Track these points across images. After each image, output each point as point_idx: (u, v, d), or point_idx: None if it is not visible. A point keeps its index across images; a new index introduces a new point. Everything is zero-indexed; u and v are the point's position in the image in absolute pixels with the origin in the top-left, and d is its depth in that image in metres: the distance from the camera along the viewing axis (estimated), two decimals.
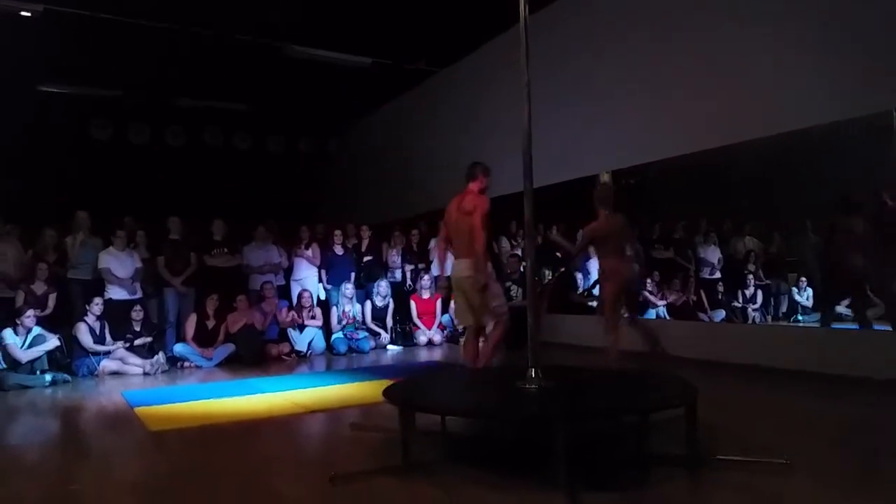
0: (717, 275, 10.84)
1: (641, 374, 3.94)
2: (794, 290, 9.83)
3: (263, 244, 8.73)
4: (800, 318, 9.61)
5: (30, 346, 6.50)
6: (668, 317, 10.10)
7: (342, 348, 8.12)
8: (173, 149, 12.69)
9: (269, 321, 8.15)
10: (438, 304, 9.08)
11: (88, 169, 11.43)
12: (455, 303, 5.42)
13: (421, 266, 9.62)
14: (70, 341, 7.09)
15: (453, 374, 4.16)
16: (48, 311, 7.26)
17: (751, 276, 10.26)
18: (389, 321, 8.93)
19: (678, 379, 3.58)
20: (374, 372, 6.46)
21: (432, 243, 9.70)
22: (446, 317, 8.99)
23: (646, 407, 3.30)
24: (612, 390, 3.53)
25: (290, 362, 7.78)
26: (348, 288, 8.57)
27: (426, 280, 9.10)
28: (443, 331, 8.95)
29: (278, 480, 3.13)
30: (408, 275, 9.56)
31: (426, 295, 9.09)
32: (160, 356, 7.17)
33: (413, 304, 9.05)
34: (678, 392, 3.39)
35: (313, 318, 8.26)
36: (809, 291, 10.20)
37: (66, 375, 6.62)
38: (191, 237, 8.50)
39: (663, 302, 10.18)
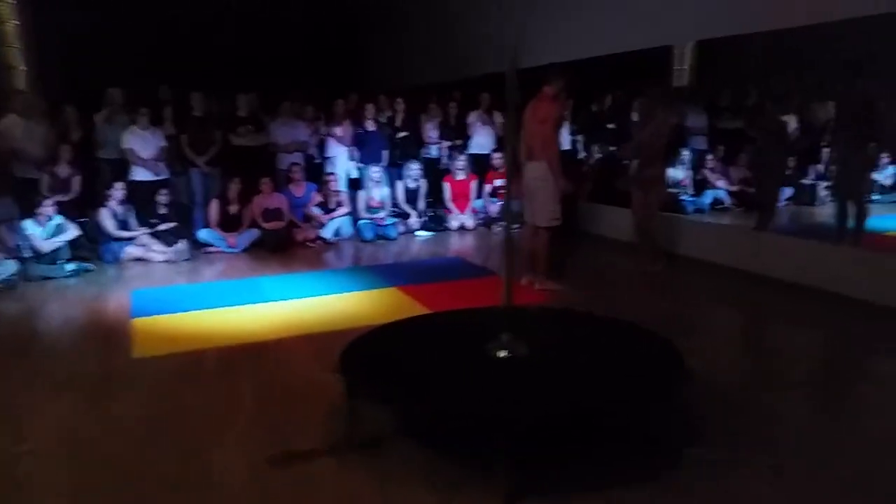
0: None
1: (637, 336, 3.48)
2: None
3: (289, 120, 8.30)
4: (875, 197, 8.44)
5: (51, 236, 6.51)
6: (728, 201, 9.31)
7: (368, 235, 7.87)
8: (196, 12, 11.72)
9: (295, 205, 7.92)
10: (473, 186, 8.59)
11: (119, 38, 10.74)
12: (525, 202, 5.61)
13: (458, 142, 9.04)
14: (97, 226, 7.11)
15: (424, 324, 3.78)
16: (72, 195, 7.22)
17: (826, 150, 9.19)
18: (421, 204, 8.55)
19: (673, 354, 3.14)
20: (386, 275, 6.19)
21: (471, 116, 9.04)
22: (479, 202, 8.53)
23: (625, 408, 2.88)
24: (594, 371, 3.12)
25: (315, 249, 7.62)
26: (375, 171, 8.15)
27: (461, 160, 8.56)
28: (475, 215, 8.52)
29: (218, 455, 2.97)
30: (444, 152, 9.02)
31: (461, 176, 8.60)
32: (182, 244, 7.10)
33: (447, 185, 8.59)
34: (668, 379, 2.97)
35: (339, 204, 7.97)
36: (891, 170, 9.12)
37: (88, 265, 6.67)
38: (215, 114, 8.16)
39: (725, 183, 9.35)
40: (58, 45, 9.65)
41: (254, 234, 7.60)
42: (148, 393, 3.70)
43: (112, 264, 6.96)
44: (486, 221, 8.52)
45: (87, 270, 6.60)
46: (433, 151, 9.08)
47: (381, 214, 8.07)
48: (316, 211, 7.86)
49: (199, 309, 5.22)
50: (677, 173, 9.23)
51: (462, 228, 8.46)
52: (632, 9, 6.82)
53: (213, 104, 8.26)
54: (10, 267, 6.09)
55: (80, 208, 7.27)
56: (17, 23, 9.36)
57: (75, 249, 6.80)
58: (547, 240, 5.49)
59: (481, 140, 8.91)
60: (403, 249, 7.62)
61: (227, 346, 4.36)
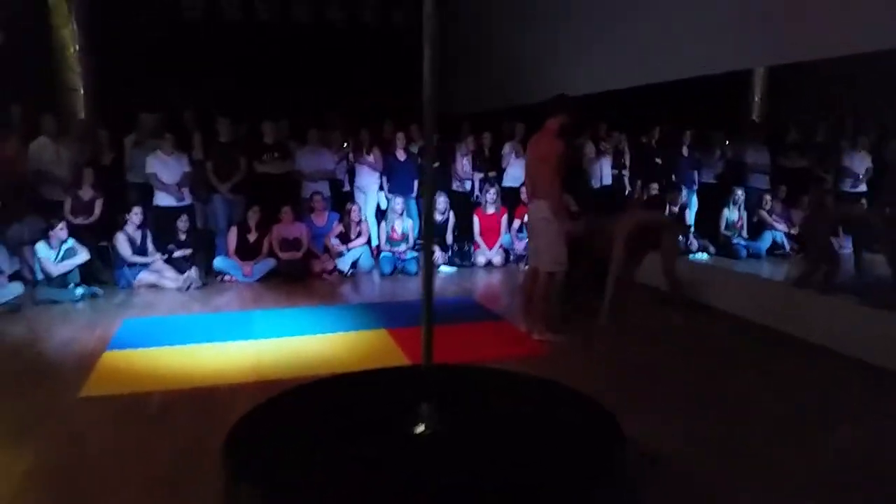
0: (862, 188, 8.92)
1: (574, 404, 2.97)
2: None
3: (315, 148, 8.14)
4: None
5: (62, 259, 6.52)
6: (787, 245, 8.51)
7: (386, 269, 7.56)
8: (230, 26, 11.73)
9: (316, 235, 7.72)
10: (504, 220, 8.15)
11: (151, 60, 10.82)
12: (528, 244, 5.44)
13: (492, 174, 8.64)
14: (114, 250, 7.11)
15: (333, 390, 3.35)
16: (93, 219, 7.26)
17: None
18: (449, 238, 8.18)
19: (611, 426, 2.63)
20: (387, 314, 5.84)
21: (506, 148, 8.64)
22: (507, 237, 8.08)
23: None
24: (521, 451, 2.64)
25: (330, 282, 7.37)
26: (398, 202, 7.85)
27: (492, 193, 8.15)
28: (505, 252, 8.06)
29: None
30: (476, 185, 8.65)
31: (491, 210, 8.18)
32: (193, 272, 6.99)
33: (476, 219, 8.20)
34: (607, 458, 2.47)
35: (359, 235, 7.71)
36: None
37: (97, 289, 6.64)
38: (241, 140, 8.11)
39: (784, 225, 8.55)
40: (114, 70, 9.93)
41: (270, 263, 7.43)
42: (62, 438, 3.45)
43: (125, 290, 6.93)
44: (515, 259, 8.05)
45: (95, 295, 6.57)
46: (466, 184, 8.73)
47: (402, 248, 7.75)
48: (334, 241, 7.63)
49: (180, 344, 5.01)
50: (731, 214, 8.51)
51: (489, 265, 8.03)
52: (671, 37, 6.30)
53: (241, 130, 8.21)
54: (16, 289, 6.10)
55: (103, 232, 7.29)
56: (78, 47, 9.68)
57: (86, 274, 6.80)
58: (548, 285, 5.01)
59: (515, 172, 8.47)
60: (421, 286, 7.24)
61: (179, 390, 4.10)
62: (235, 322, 5.64)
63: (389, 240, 7.79)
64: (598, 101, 7.62)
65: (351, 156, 8.43)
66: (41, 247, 6.47)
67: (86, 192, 7.28)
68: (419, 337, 5.03)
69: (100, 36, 9.28)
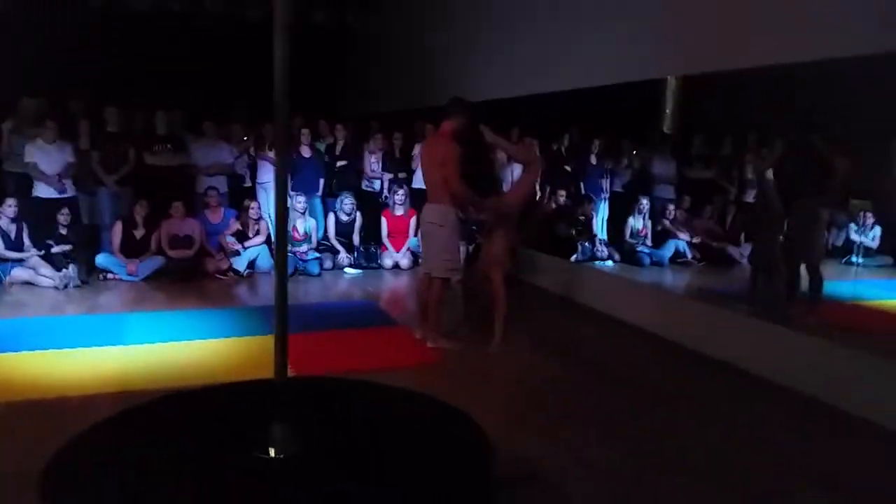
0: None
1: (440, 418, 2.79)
2: (853, 226, 7.69)
3: (212, 141, 7.71)
4: (855, 259, 7.62)
5: None
6: (689, 254, 8.64)
7: (314, 270, 7.23)
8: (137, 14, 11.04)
9: (211, 232, 7.30)
10: (412, 222, 7.94)
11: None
12: (421, 249, 5.24)
13: (402, 175, 8.42)
14: None
15: (172, 410, 3.01)
16: None
17: None
18: (356, 238, 7.90)
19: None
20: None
21: (416, 149, 8.43)
22: (414, 240, 7.88)
23: None
24: (386, 473, 2.42)
25: (224, 282, 6.97)
26: (299, 201, 7.52)
27: (401, 194, 7.93)
28: (412, 255, 7.85)
29: None
30: (386, 185, 8.41)
31: (399, 212, 7.96)
32: (71, 269, 6.45)
33: (384, 220, 7.95)
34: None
35: (257, 233, 7.34)
36: (877, 231, 8.39)
37: None
38: (131, 131, 7.60)
39: (686, 235, 8.68)
40: None
41: (158, 261, 6.96)
42: None
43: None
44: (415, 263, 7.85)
45: None
46: (375, 184, 8.48)
47: (304, 248, 7.43)
48: (230, 240, 7.23)
49: (40, 349, 4.54)
50: (636, 223, 8.58)
51: (396, 267, 7.79)
52: (584, 44, 6.26)
53: (132, 120, 7.70)
54: None
55: None
56: None
57: None
58: (441, 291, 4.82)
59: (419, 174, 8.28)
60: (321, 288, 6.96)
61: (22, 401, 3.68)
62: (109, 325, 5.20)
63: (290, 240, 7.45)
64: (511, 106, 7.54)
65: (252, 150, 8.03)
66: None
67: None
68: (311, 343, 4.81)
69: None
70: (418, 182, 8.26)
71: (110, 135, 7.36)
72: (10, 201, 6.53)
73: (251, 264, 7.22)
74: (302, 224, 7.49)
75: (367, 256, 7.79)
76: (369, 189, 8.49)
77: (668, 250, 8.55)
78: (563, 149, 8.90)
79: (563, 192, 8.35)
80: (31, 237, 6.67)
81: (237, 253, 7.18)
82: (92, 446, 2.50)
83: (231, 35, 10.36)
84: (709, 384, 4.47)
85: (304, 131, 7.98)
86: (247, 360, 4.50)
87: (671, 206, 8.69)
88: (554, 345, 5.19)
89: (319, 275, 7.30)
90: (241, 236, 7.32)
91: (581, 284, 6.66)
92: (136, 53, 9.71)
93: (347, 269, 7.58)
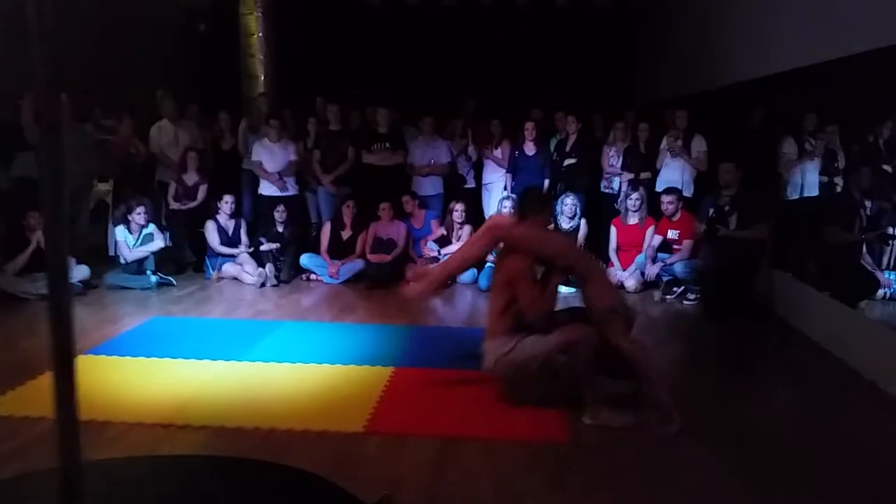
0: None
1: None
2: None
3: (429, 138, 7.10)
4: None
5: (140, 245, 6.30)
6: None
7: (484, 283, 6.26)
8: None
9: (416, 237, 6.72)
10: (648, 234, 6.38)
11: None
12: None
13: (644, 176, 6.86)
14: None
15: None
16: (195, 204, 6.99)
17: None
18: None
19: None
20: (424, 346, 4.64)
21: (664, 143, 6.80)
22: (641, 256, 6.30)
23: None
24: None
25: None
26: (506, 205, 6.49)
27: (635, 199, 6.42)
28: (641, 276, 6.29)
29: None
30: (624, 187, 6.94)
31: (633, 220, 6.47)
32: (268, 269, 6.38)
33: (613, 230, 6.53)
34: None
35: (458, 239, 6.52)
36: None
37: (171, 279, 6.33)
38: (352, 129, 7.38)
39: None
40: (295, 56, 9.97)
41: (358, 265, 6.59)
42: None
43: (208, 280, 6.57)
44: (658, 283, 6.23)
45: (169, 284, 6.27)
46: (615, 182, 7.05)
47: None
48: (430, 246, 6.55)
49: (166, 356, 4.31)
50: None
51: (620, 288, 6.29)
52: None
53: (352, 118, 7.48)
54: (82, 272, 5.95)
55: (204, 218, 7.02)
56: (261, 34, 9.79)
57: (169, 262, 6.59)
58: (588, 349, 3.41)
59: (668, 175, 6.62)
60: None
61: (89, 421, 3.34)
62: (251, 334, 4.84)
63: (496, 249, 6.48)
64: (801, 84, 5.59)
65: (471, 149, 7.24)
66: (120, 230, 6.31)
67: (190, 177, 7.04)
68: (423, 383, 3.77)
69: (282, 23, 9.30)
70: (664, 183, 6.67)
71: (331, 133, 7.22)
72: (228, 198, 6.71)
73: None
74: None
75: None
76: (608, 191, 7.11)
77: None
78: (880, 142, 6.41)
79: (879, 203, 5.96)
80: (250, 234, 6.80)
81: (436, 260, 6.46)
82: None
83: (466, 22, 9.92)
84: None
85: (528, 125, 6.94)
86: (329, 397, 3.69)
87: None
88: (778, 439, 3.41)
89: None
90: (445, 242, 6.58)
91: (870, 340, 4.49)
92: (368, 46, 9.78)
93: (560, 287, 6.32)
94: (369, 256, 6.58)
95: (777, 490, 2.88)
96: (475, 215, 7.08)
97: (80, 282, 5.88)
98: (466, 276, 6.43)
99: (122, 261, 6.29)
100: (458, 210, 6.56)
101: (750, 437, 3.34)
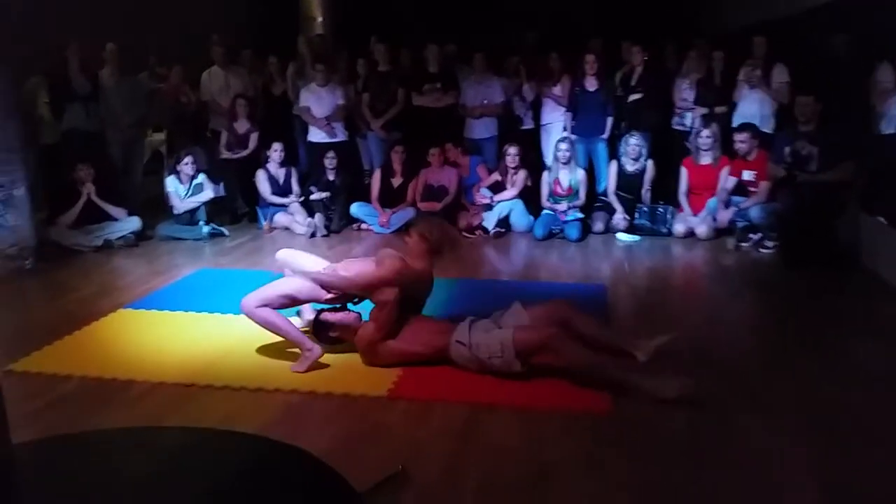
0: None
1: None
2: None
3: (482, 76, 6.68)
4: None
5: (190, 195, 6.26)
6: None
7: (539, 232, 5.90)
8: None
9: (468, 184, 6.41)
10: (722, 176, 5.83)
11: None
12: None
13: (720, 110, 6.24)
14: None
15: None
16: (247, 152, 6.88)
17: None
18: (645, 194, 6.15)
19: None
20: (473, 302, 4.34)
21: (741, 74, 6.14)
22: (712, 201, 5.77)
23: None
24: None
25: (471, 242, 6.02)
26: (561, 146, 6.05)
27: (706, 136, 5.86)
28: (713, 221, 5.77)
29: None
30: (696, 123, 6.34)
31: (705, 159, 5.93)
32: (317, 218, 6.23)
33: (683, 171, 6.01)
34: None
35: (513, 185, 6.16)
36: None
37: (224, 230, 6.28)
38: (400, 68, 7.02)
39: None
40: None
41: (409, 213, 6.34)
42: None
43: (260, 231, 6.49)
44: (730, 230, 5.71)
45: (221, 235, 6.22)
46: (687, 118, 6.47)
47: (563, 206, 6.00)
48: (483, 192, 6.22)
49: (202, 310, 4.22)
50: None
51: (690, 236, 5.83)
52: None
53: (405, 57, 7.11)
54: (133, 224, 5.97)
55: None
56: None
57: (221, 213, 6.54)
58: None
59: (746, 108, 6.00)
60: (564, 260, 5.48)
61: (96, 378, 3.30)
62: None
63: (552, 194, 6.10)
64: None
65: (527, 87, 6.77)
66: (171, 180, 6.28)
67: (241, 125, 6.90)
68: None
69: None
70: (741, 118, 6.06)
71: (380, 74, 6.91)
72: (277, 146, 6.55)
73: (502, 222, 6.10)
74: (567, 175, 6.05)
75: (653, 218, 5.98)
76: (680, 128, 6.54)
77: None
78: None
79: None
80: (301, 182, 6.66)
81: (489, 207, 6.14)
82: None
83: None
84: None
85: (589, 58, 6.40)
86: (349, 370, 3.49)
87: None
88: (855, 409, 2.98)
89: (580, 240, 5.82)
90: (499, 188, 6.24)
91: None
92: None
93: (621, 235, 5.91)
94: (419, 205, 6.32)
95: (846, 469, 2.50)
96: (534, 159, 6.70)
97: (131, 233, 5.91)
98: (522, 223, 6.12)
99: (174, 212, 6.27)
100: (512, 154, 6.16)
101: (821, 405, 2.95)
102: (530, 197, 6.20)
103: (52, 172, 6.10)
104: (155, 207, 6.79)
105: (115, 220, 5.92)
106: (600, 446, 2.68)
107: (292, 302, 3.49)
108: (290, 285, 3.47)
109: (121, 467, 1.53)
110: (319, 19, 9.75)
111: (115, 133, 6.55)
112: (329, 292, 3.45)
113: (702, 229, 5.74)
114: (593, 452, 2.63)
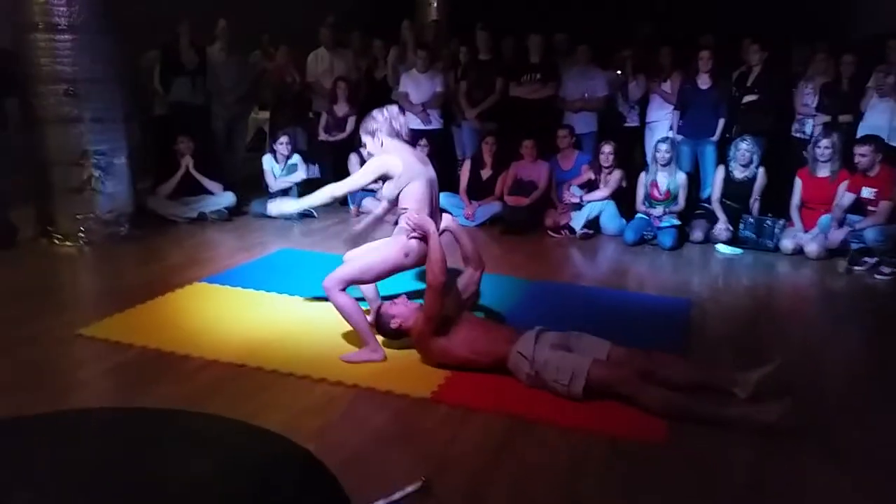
0: None
1: None
2: None
3: (584, 68, 6.38)
4: None
5: (286, 175, 6.39)
6: None
7: (630, 237, 5.57)
8: None
9: (560, 180, 6.16)
10: (840, 191, 5.27)
11: None
12: None
13: (844, 119, 5.66)
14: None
15: None
16: (344, 136, 6.94)
17: None
18: (754, 204, 5.67)
19: None
20: (541, 311, 4.15)
21: (871, 80, 5.53)
22: (825, 219, 5.22)
23: None
24: None
25: (556, 242, 5.79)
26: (661, 146, 5.66)
27: (825, 146, 5.31)
28: (824, 239, 5.22)
29: None
30: (817, 131, 5.77)
31: (823, 172, 5.38)
32: None
33: (798, 182, 5.49)
34: None
35: (606, 185, 5.85)
36: None
37: (313, 211, 6.34)
38: (501, 57, 6.84)
39: None
40: None
41: (495, 207, 6.20)
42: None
43: (349, 214, 6.55)
44: (843, 251, 5.15)
45: (311, 216, 6.31)
46: (807, 126, 5.92)
47: (658, 210, 5.63)
48: (573, 191, 5.95)
49: (278, 291, 4.26)
50: None
51: (798, 253, 5.32)
52: None
53: (507, 45, 6.92)
54: (227, 199, 6.15)
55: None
56: None
57: (309, 193, 6.58)
58: None
59: (874, 119, 5.38)
60: (654, 269, 5.14)
61: (157, 350, 3.38)
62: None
63: (648, 198, 5.74)
64: None
65: (634, 83, 6.40)
66: (268, 159, 6.42)
67: (340, 108, 6.98)
68: None
69: None
70: (867, 129, 5.47)
71: (480, 63, 6.76)
72: None
73: (590, 224, 5.81)
74: (665, 178, 5.68)
75: (760, 231, 5.50)
76: (799, 135, 6.00)
77: None
78: None
79: None
80: None
81: (578, 206, 5.87)
82: None
83: None
84: None
85: (703, 54, 5.96)
86: (401, 369, 3.38)
87: None
88: None
89: (674, 248, 5.45)
90: (592, 187, 5.95)
91: None
92: None
93: (721, 247, 5.48)
94: (506, 199, 6.14)
95: None
96: (637, 158, 6.36)
97: (225, 208, 6.10)
98: (612, 226, 5.81)
99: (269, 190, 6.42)
100: (606, 152, 5.83)
101: None
102: (624, 199, 5.87)
103: (159, 143, 6.39)
104: (254, 184, 7.00)
105: (212, 193, 6.12)
106: (642, 479, 2.45)
107: (374, 276, 3.42)
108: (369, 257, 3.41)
109: (88, 450, 1.49)
110: (434, 4, 9.73)
111: (219, 108, 6.79)
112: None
113: (812, 247, 5.22)
114: (634, 486, 2.41)
